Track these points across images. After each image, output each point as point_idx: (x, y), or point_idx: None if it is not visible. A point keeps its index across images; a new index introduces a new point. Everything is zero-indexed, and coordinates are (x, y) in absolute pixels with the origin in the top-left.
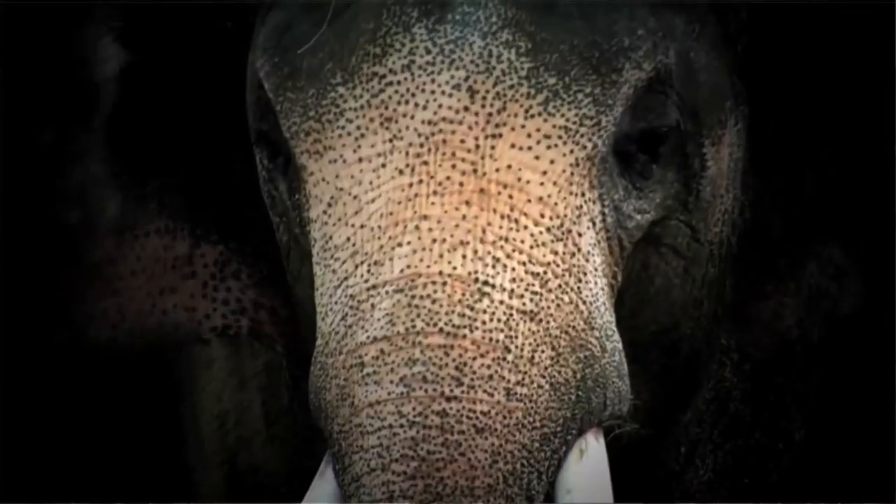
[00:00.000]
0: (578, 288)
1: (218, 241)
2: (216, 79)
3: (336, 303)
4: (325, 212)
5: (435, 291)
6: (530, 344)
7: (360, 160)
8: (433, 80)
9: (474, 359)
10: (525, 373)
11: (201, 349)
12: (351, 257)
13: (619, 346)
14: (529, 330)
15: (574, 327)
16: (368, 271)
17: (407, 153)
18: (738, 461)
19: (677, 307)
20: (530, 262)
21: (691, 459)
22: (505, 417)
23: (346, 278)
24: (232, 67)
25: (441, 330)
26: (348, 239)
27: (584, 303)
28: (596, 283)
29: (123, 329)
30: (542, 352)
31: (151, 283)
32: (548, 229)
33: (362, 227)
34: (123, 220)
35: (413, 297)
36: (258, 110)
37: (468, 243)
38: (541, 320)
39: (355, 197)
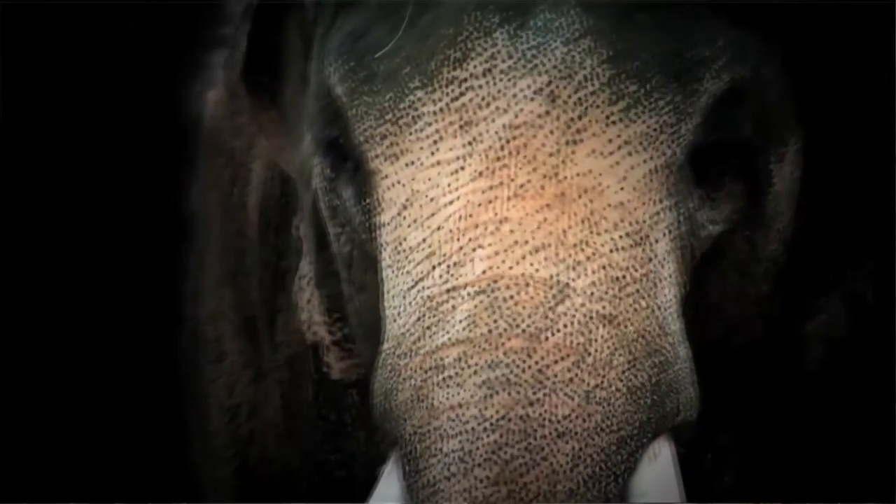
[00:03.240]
0: (654, 294)
1: None
2: None
3: (410, 304)
4: (398, 214)
5: (517, 293)
6: (608, 348)
7: (438, 163)
8: (514, 85)
9: (555, 362)
10: (603, 377)
11: (211, 343)
12: (426, 259)
13: (689, 353)
14: (608, 334)
15: (649, 332)
16: (447, 272)
17: (486, 157)
18: (762, 468)
19: (730, 323)
20: (609, 266)
21: (718, 467)
22: (584, 421)
23: (420, 280)
24: None
25: (523, 332)
26: (423, 241)
27: (659, 308)
28: (669, 291)
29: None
30: (620, 356)
31: None
32: (626, 234)
33: (438, 229)
34: None
35: (495, 298)
36: (326, 117)
37: (549, 246)
38: (618, 324)
39: (432, 199)
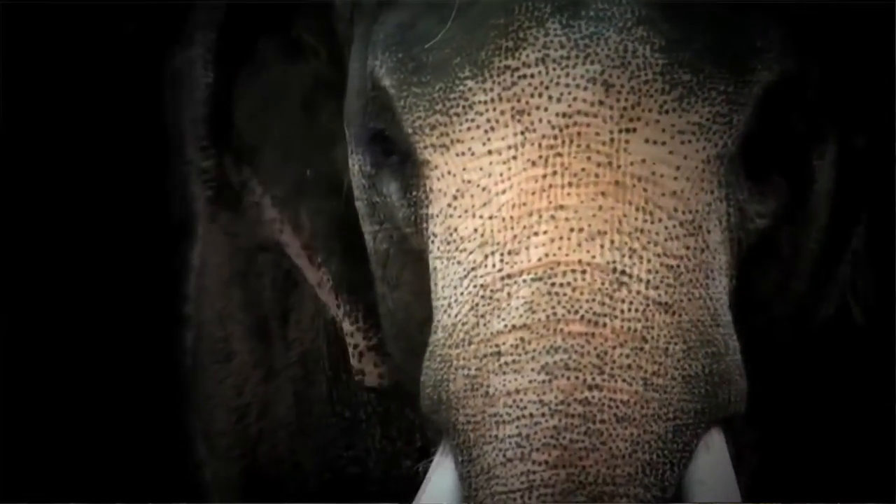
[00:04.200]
0: (707, 284)
1: None
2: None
3: (463, 293)
4: (449, 205)
5: (575, 280)
6: (665, 336)
7: (490, 152)
8: (568, 74)
9: (614, 348)
10: (660, 364)
11: (218, 344)
12: (479, 248)
13: (738, 345)
14: (664, 322)
15: (703, 322)
16: (501, 261)
17: (540, 145)
18: (762, 468)
19: (771, 319)
20: (665, 254)
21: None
22: (643, 407)
23: (474, 269)
24: None
25: (582, 318)
26: (476, 230)
27: (711, 299)
28: (721, 281)
29: None
30: (675, 344)
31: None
32: (681, 223)
33: (491, 217)
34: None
35: (553, 284)
36: (372, 110)
37: (605, 233)
38: (674, 312)
39: (484, 188)
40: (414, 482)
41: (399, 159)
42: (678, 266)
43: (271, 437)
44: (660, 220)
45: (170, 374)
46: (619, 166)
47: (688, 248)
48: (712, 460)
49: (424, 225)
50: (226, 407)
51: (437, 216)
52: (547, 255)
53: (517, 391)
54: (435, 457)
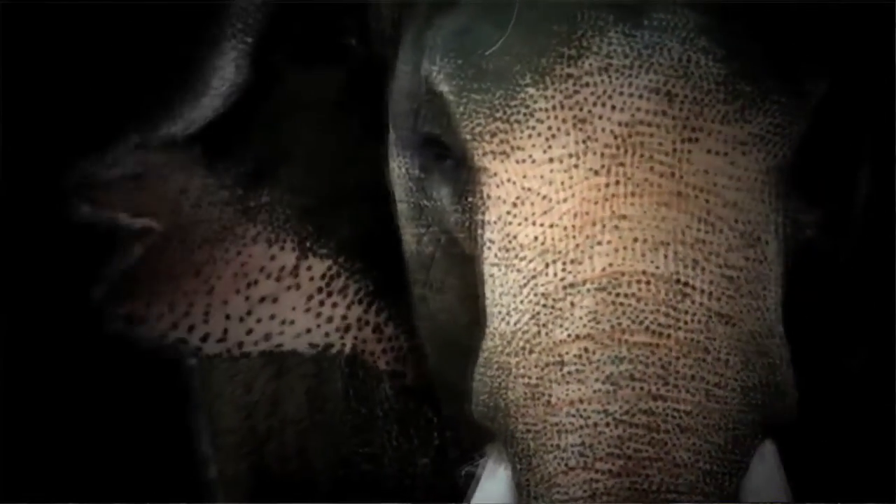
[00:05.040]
0: (763, 295)
1: (327, 255)
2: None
3: (523, 302)
4: (508, 212)
5: (639, 290)
6: (725, 347)
7: (551, 160)
8: (630, 84)
9: (678, 358)
10: (721, 375)
11: None
12: (540, 256)
13: (789, 356)
14: (725, 333)
15: (760, 333)
16: (563, 269)
17: (602, 154)
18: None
19: (811, 329)
20: (725, 265)
21: None
22: (705, 418)
23: (534, 277)
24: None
25: (647, 329)
26: (536, 238)
27: (767, 310)
28: (775, 293)
29: (197, 329)
30: (735, 356)
31: (251, 289)
32: (740, 234)
33: (552, 226)
34: (230, 226)
35: (617, 295)
36: (425, 115)
37: (668, 244)
38: (734, 324)
39: (544, 196)
40: (428, 481)
41: (453, 164)
42: (737, 277)
43: (280, 435)
44: (720, 231)
45: (171, 373)
46: (680, 176)
47: (746, 259)
48: (765, 469)
49: (479, 231)
50: (234, 404)
51: (495, 223)
52: (611, 264)
53: (580, 401)
54: (480, 461)
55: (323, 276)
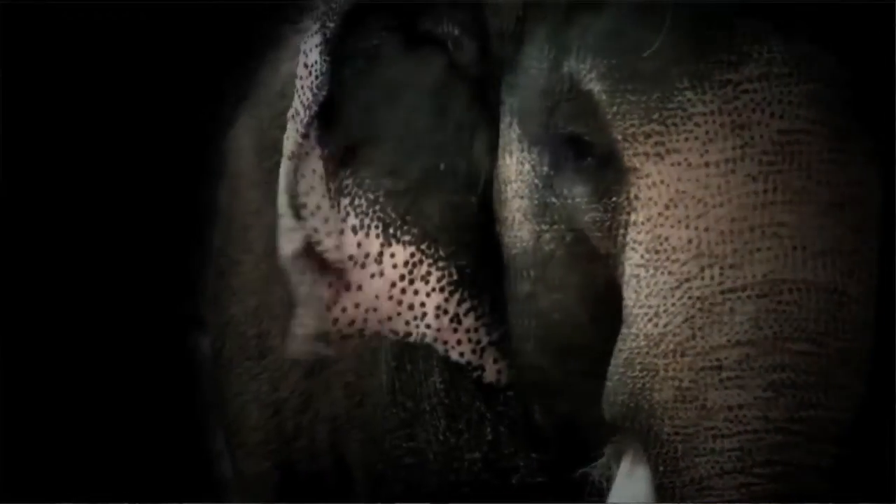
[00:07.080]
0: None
1: (410, 242)
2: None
3: (675, 304)
4: (660, 214)
5: (800, 298)
6: (868, 356)
7: (707, 164)
8: (790, 92)
9: (836, 367)
10: (863, 385)
11: (251, 340)
12: (694, 259)
13: None
14: (870, 342)
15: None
16: (721, 274)
17: (760, 160)
18: None
19: None
20: (873, 275)
21: None
22: (852, 428)
23: (687, 280)
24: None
25: (808, 337)
26: (690, 241)
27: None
28: None
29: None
30: (868, 365)
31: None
32: (883, 244)
33: (707, 230)
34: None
35: (779, 302)
36: (566, 113)
37: (826, 253)
38: (874, 333)
39: (699, 200)
40: (478, 477)
41: (595, 163)
42: (883, 287)
43: (310, 432)
44: (870, 241)
45: (181, 374)
46: (837, 185)
47: (891, 269)
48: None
49: (622, 231)
50: (259, 402)
51: (644, 224)
52: (771, 271)
53: (739, 406)
54: (598, 462)
55: (406, 264)
